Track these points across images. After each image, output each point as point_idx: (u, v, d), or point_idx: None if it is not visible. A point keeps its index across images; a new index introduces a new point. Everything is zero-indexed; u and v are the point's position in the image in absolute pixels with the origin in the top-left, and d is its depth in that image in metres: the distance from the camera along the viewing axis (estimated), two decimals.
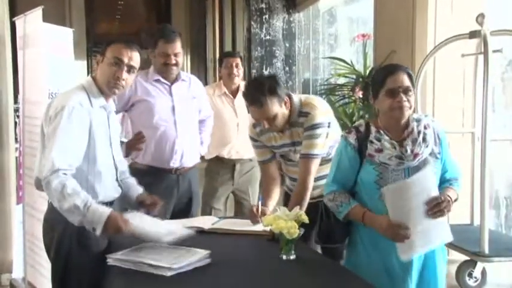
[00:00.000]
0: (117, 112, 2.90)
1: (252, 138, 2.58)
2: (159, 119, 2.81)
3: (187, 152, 2.88)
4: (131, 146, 2.83)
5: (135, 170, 2.82)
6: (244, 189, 3.65)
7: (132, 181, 2.32)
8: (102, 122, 2.09)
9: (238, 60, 3.65)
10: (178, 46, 2.83)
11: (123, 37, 2.16)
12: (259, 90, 2.32)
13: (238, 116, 3.57)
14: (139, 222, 1.98)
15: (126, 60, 2.06)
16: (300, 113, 2.40)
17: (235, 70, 3.61)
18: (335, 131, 2.50)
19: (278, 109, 2.35)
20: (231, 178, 3.60)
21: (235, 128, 3.56)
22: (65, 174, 1.91)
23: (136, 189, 2.30)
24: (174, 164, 2.85)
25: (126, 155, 2.90)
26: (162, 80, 2.87)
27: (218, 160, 3.57)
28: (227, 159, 3.58)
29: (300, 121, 2.41)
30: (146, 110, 2.82)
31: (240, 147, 3.57)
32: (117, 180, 2.18)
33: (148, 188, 2.72)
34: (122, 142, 2.83)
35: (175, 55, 2.82)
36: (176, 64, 2.84)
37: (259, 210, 2.36)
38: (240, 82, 3.67)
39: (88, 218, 1.89)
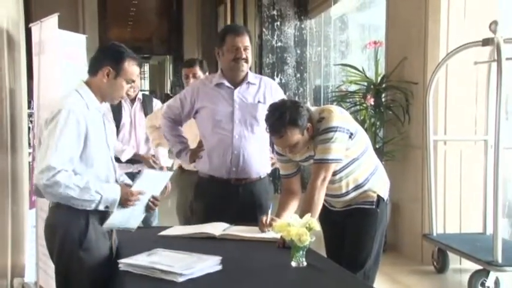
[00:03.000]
0: (185, 122, 2.85)
1: (277, 153, 2.54)
2: (216, 126, 2.69)
3: (247, 163, 2.70)
4: (192, 154, 2.78)
5: (198, 179, 2.84)
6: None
7: (129, 181, 2.30)
8: (98, 124, 2.11)
9: (196, 70, 3.42)
10: (247, 40, 2.67)
11: (132, 51, 2.18)
12: (280, 121, 2.26)
13: None
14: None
15: (136, 79, 2.19)
16: (318, 120, 2.37)
17: (191, 81, 3.38)
18: (358, 144, 2.41)
19: (299, 138, 2.29)
20: None
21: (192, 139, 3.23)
22: (66, 171, 1.94)
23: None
24: (231, 174, 2.70)
25: (190, 162, 2.87)
26: (226, 83, 2.72)
27: (182, 171, 3.37)
28: (185, 170, 3.36)
29: (318, 127, 2.35)
30: (207, 116, 2.71)
31: None
32: (116, 181, 2.19)
33: (208, 197, 2.75)
34: (189, 150, 2.84)
35: (245, 49, 2.66)
36: (246, 60, 2.67)
37: (268, 220, 2.35)
38: None
39: (104, 200, 2.01)
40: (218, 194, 2.72)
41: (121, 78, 2.10)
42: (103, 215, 2.09)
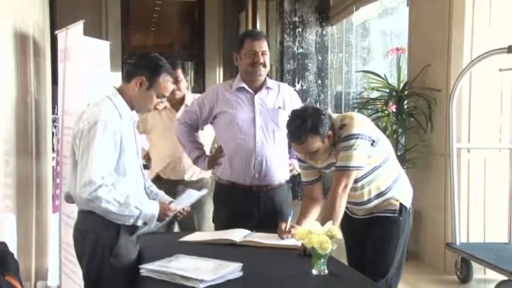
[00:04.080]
0: (201, 127, 2.85)
1: (299, 160, 2.53)
2: (238, 131, 2.68)
3: (269, 169, 2.70)
4: (211, 160, 2.78)
5: (218, 186, 2.82)
6: (188, 215, 3.12)
7: (155, 189, 2.35)
8: (130, 133, 2.13)
9: (178, 73, 3.21)
10: (265, 45, 2.70)
11: (168, 63, 2.17)
12: (301, 128, 2.25)
13: None
14: None
15: (167, 95, 2.20)
16: (339, 127, 2.35)
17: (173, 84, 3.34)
18: (380, 151, 2.39)
19: (320, 145, 2.29)
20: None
21: (176, 146, 3.07)
22: (106, 186, 1.97)
23: (165, 199, 2.30)
24: (254, 181, 2.69)
25: (209, 168, 2.87)
26: (247, 88, 2.73)
27: (159, 180, 3.19)
28: (165, 179, 3.22)
29: (339, 134, 2.34)
30: (227, 122, 2.71)
31: (184, 166, 3.21)
32: (144, 188, 2.23)
33: (230, 204, 2.73)
34: (206, 156, 2.84)
35: (263, 54, 2.68)
36: (264, 65, 2.69)
37: (288, 227, 2.34)
38: (185, 92, 3.27)
39: (143, 215, 2.05)
40: (240, 201, 2.71)
41: (153, 90, 2.11)
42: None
